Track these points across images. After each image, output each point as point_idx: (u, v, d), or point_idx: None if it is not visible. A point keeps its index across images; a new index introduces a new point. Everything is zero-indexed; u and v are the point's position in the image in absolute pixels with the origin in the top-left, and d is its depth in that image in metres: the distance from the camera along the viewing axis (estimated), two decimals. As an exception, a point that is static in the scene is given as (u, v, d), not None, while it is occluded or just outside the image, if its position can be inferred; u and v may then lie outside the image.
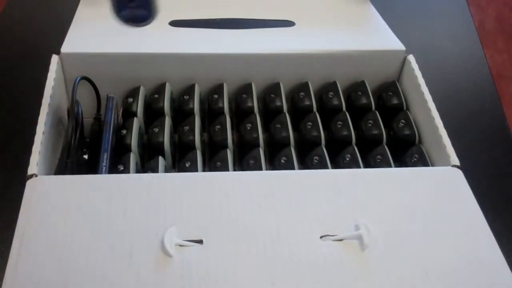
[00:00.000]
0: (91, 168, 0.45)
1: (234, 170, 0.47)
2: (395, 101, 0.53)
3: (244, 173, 0.43)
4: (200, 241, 0.36)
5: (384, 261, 0.36)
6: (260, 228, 0.37)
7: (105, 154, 0.44)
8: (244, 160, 0.47)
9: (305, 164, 0.48)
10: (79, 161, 0.45)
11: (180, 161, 0.46)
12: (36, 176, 0.39)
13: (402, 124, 0.51)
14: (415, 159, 0.47)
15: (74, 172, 0.43)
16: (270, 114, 0.52)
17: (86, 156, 0.46)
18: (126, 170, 0.43)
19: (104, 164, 0.43)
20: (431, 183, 0.41)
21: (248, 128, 0.49)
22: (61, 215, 0.36)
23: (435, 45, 0.70)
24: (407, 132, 0.50)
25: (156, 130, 0.47)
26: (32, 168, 0.39)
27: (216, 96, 0.52)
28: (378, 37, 0.56)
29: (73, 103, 0.45)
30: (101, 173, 0.43)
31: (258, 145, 0.48)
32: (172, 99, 0.52)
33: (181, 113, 0.51)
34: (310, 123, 0.50)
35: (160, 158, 0.45)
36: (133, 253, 0.35)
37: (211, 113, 0.52)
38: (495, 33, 1.65)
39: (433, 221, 0.38)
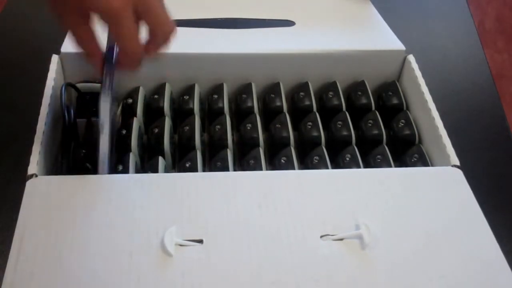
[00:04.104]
0: (90, 167, 0.45)
1: (234, 170, 0.47)
2: (395, 101, 0.53)
3: (244, 173, 0.43)
4: (200, 241, 0.36)
5: (384, 260, 0.36)
6: (260, 228, 0.37)
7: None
8: (244, 160, 0.47)
9: (305, 164, 0.48)
10: (75, 160, 0.45)
11: (180, 161, 0.46)
12: (36, 176, 0.39)
13: (402, 124, 0.51)
14: (415, 159, 0.47)
15: (71, 172, 0.43)
16: (270, 114, 0.52)
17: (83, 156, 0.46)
18: (126, 170, 0.43)
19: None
20: (431, 183, 0.41)
21: (248, 128, 0.49)
22: (61, 215, 0.36)
23: (435, 45, 0.70)
24: (407, 132, 0.50)
25: (156, 130, 0.47)
26: (32, 168, 0.39)
27: (216, 96, 0.52)
28: (378, 37, 0.56)
29: (63, 109, 0.45)
30: (100, 173, 0.43)
31: (258, 145, 0.48)
32: (172, 99, 0.52)
33: (181, 113, 0.51)
34: (310, 123, 0.50)
35: (160, 158, 0.45)
36: (133, 253, 0.35)
37: (211, 113, 0.52)
38: (495, 33, 1.65)
39: (433, 220, 0.38)
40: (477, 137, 0.58)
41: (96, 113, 0.51)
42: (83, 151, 0.47)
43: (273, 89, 0.53)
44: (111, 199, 0.38)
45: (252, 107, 0.51)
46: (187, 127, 0.48)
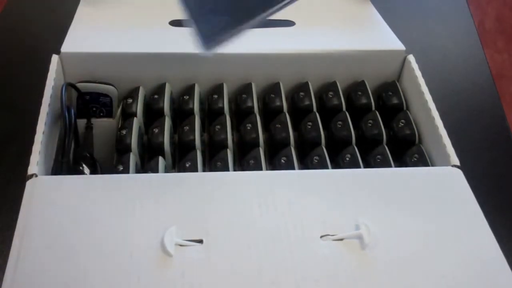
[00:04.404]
0: (86, 168, 0.45)
1: (234, 170, 0.47)
2: (395, 101, 0.53)
3: (244, 173, 0.43)
4: (200, 241, 0.36)
5: (384, 260, 0.36)
6: (260, 228, 0.37)
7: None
8: (244, 160, 0.47)
9: (305, 164, 0.48)
10: (76, 160, 0.45)
11: (180, 161, 0.46)
12: (36, 176, 0.39)
13: (402, 124, 0.51)
14: (415, 159, 0.47)
15: (71, 172, 0.43)
16: (270, 114, 0.52)
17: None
18: (126, 170, 0.43)
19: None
20: (431, 183, 0.41)
21: (248, 128, 0.49)
22: (61, 215, 0.36)
23: (435, 45, 0.70)
24: (407, 132, 0.50)
25: (156, 130, 0.47)
26: (32, 168, 0.39)
27: (216, 96, 0.52)
28: (378, 37, 0.56)
29: (63, 109, 0.45)
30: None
31: (258, 145, 0.48)
32: (172, 99, 0.52)
33: (181, 113, 0.51)
34: (310, 123, 0.50)
35: (160, 158, 0.45)
36: (133, 253, 0.35)
37: (211, 113, 0.52)
38: (495, 33, 1.65)
39: (433, 221, 0.38)
40: (477, 137, 0.58)
41: (95, 113, 0.51)
42: (83, 151, 0.47)
43: (273, 89, 0.53)
44: (111, 199, 0.38)
45: (252, 107, 0.51)
46: (187, 127, 0.48)
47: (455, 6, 0.78)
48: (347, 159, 0.47)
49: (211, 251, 0.35)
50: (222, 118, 0.50)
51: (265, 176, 0.41)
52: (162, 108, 0.50)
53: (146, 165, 0.45)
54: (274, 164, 0.47)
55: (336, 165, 0.48)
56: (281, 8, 0.36)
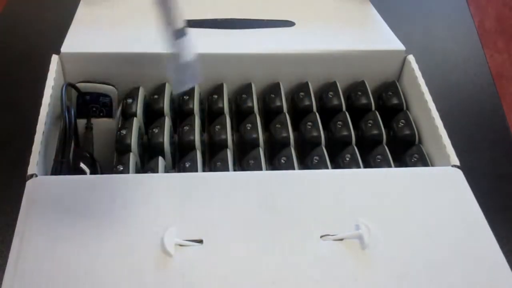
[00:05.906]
0: (86, 168, 0.45)
1: (234, 170, 0.47)
2: (395, 101, 0.53)
3: (244, 173, 0.43)
4: (200, 241, 0.36)
5: (384, 260, 0.36)
6: (260, 228, 0.37)
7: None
8: (244, 160, 0.47)
9: (305, 164, 0.48)
10: (75, 161, 0.45)
11: (180, 161, 0.46)
12: (36, 176, 0.39)
13: (402, 124, 0.51)
14: (415, 159, 0.47)
15: (71, 172, 0.43)
16: (270, 114, 0.52)
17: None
18: (126, 170, 0.43)
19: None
20: (431, 183, 0.41)
21: (248, 128, 0.49)
22: (61, 215, 0.36)
23: (435, 45, 0.70)
24: (407, 132, 0.50)
25: (156, 130, 0.47)
26: (32, 168, 0.39)
27: (216, 96, 0.52)
28: (378, 37, 0.55)
29: (63, 109, 0.45)
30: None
31: (258, 145, 0.48)
32: (172, 99, 0.52)
33: (181, 113, 0.51)
34: (310, 123, 0.50)
35: (160, 158, 0.45)
36: (133, 253, 0.35)
37: (211, 113, 0.52)
38: (495, 33, 1.65)
39: (433, 220, 0.38)
40: (477, 137, 0.58)
41: (95, 113, 0.51)
42: (83, 151, 0.47)
43: (273, 89, 0.53)
44: (111, 199, 0.38)
45: (252, 107, 0.51)
46: (187, 127, 0.48)
47: (455, 6, 0.78)
48: (347, 159, 0.47)
49: (211, 251, 0.35)
50: (222, 118, 0.50)
51: (265, 176, 0.41)
52: (162, 108, 0.50)
53: (146, 165, 0.45)
54: (274, 164, 0.47)
55: (336, 165, 0.48)
56: None
